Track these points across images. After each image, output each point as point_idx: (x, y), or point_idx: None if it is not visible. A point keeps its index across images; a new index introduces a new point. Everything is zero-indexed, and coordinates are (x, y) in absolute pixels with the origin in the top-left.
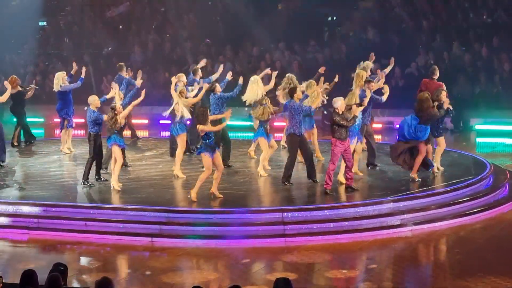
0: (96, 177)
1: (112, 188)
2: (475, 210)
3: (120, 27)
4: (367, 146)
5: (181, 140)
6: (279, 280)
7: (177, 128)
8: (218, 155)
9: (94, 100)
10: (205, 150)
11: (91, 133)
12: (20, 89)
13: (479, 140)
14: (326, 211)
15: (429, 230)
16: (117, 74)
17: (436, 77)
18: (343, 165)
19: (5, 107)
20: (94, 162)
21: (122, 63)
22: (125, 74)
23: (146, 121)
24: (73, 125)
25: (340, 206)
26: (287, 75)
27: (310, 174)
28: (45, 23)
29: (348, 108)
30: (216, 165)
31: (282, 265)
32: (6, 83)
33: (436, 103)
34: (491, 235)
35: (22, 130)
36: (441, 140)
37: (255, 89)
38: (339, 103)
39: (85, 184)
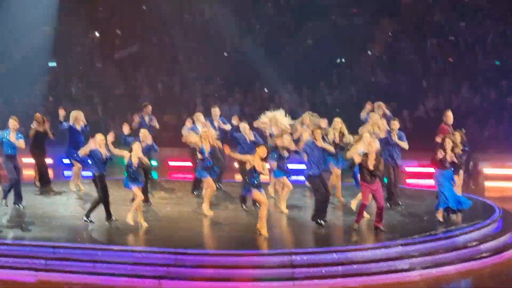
0: (107, 217)
1: (127, 223)
2: (484, 255)
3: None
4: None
5: (206, 181)
6: None
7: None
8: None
9: (98, 139)
10: (254, 188)
11: (95, 173)
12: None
13: (488, 183)
14: (334, 254)
15: (437, 274)
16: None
17: (446, 120)
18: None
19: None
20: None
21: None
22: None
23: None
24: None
25: (349, 250)
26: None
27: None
28: (55, 64)
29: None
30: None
31: None
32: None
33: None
34: (500, 280)
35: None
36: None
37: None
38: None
39: (85, 220)
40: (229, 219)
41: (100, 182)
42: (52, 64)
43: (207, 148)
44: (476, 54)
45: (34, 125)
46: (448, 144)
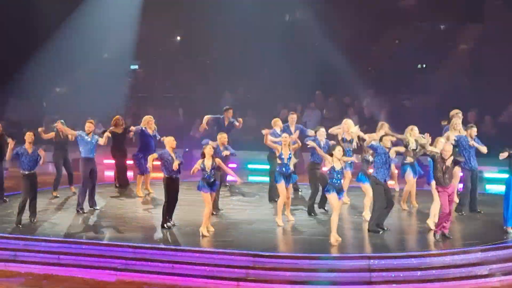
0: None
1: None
2: None
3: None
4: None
5: (279, 187)
6: None
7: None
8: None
9: (169, 141)
10: (334, 190)
11: (164, 175)
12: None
13: None
14: (413, 259)
15: None
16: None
17: None
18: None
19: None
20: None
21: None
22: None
23: (234, 165)
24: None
25: (427, 255)
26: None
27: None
28: (137, 67)
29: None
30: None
31: None
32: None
33: None
34: None
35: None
36: None
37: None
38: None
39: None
40: (306, 222)
41: (166, 185)
42: (134, 66)
43: (286, 154)
44: None
45: (112, 127)
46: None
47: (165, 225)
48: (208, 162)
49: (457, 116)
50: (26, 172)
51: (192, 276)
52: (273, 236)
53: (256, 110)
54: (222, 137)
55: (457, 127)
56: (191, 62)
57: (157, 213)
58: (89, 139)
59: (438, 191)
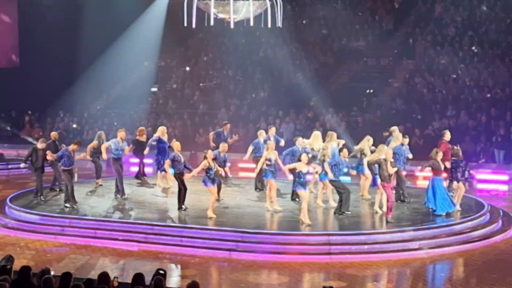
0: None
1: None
2: (475, 239)
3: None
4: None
5: (269, 182)
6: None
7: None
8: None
9: (177, 146)
10: (300, 185)
11: (176, 171)
12: (145, 139)
13: (479, 186)
14: (362, 236)
15: (440, 253)
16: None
17: (445, 138)
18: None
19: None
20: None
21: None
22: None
23: (229, 164)
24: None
25: (373, 233)
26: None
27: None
28: (156, 89)
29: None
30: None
31: (328, 276)
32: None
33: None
34: (487, 259)
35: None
36: (460, 185)
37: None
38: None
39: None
40: (283, 208)
41: (179, 178)
42: (154, 89)
43: (273, 157)
44: (472, 88)
45: (137, 136)
46: (439, 156)
47: (182, 207)
48: (212, 164)
49: (398, 131)
50: (67, 168)
51: (195, 247)
52: (258, 218)
53: (245, 123)
54: (224, 146)
55: (399, 137)
56: (196, 86)
57: (171, 200)
58: (120, 144)
59: (384, 186)
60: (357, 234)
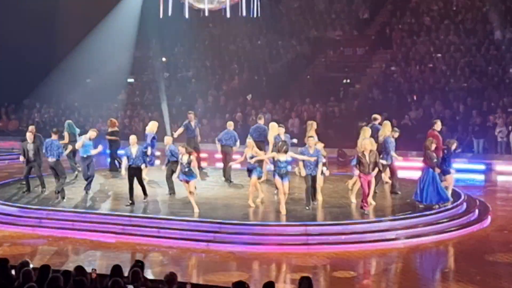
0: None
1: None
2: (452, 229)
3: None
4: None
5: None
6: (302, 278)
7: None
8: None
9: (168, 139)
10: (279, 176)
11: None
12: (117, 129)
13: (455, 175)
14: (339, 226)
15: (417, 243)
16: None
17: (435, 128)
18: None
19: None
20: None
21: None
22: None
23: (206, 155)
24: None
25: (350, 223)
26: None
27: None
28: (133, 80)
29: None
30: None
31: (305, 267)
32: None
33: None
34: (464, 248)
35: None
36: (448, 177)
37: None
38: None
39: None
40: (260, 198)
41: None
42: (131, 80)
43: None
44: (449, 78)
45: (109, 128)
46: (433, 146)
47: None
48: (184, 158)
49: (380, 119)
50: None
51: (173, 239)
52: (235, 208)
53: (222, 114)
54: (168, 139)
55: (388, 125)
56: (173, 77)
57: (149, 191)
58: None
59: (361, 177)
60: (334, 224)
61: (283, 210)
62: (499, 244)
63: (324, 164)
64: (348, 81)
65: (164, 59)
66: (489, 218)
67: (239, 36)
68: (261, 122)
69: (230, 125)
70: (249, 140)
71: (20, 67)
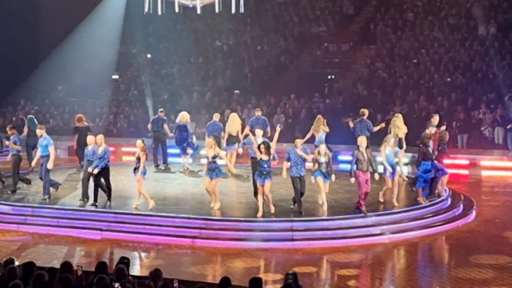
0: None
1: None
2: (437, 224)
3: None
4: None
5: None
6: (288, 273)
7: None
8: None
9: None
10: (262, 176)
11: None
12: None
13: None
14: (324, 222)
15: (402, 238)
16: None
17: (433, 122)
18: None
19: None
20: None
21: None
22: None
23: (191, 151)
24: None
25: (335, 219)
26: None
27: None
28: (117, 76)
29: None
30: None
31: (291, 262)
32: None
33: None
34: (449, 243)
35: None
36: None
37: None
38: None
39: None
40: (245, 195)
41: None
42: (115, 76)
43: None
44: (433, 73)
45: (76, 123)
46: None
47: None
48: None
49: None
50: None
51: (158, 235)
52: (221, 204)
53: (207, 110)
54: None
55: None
56: (158, 73)
57: (133, 188)
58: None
59: (357, 175)
60: (319, 220)
61: (259, 213)
62: (483, 239)
63: (331, 170)
64: (333, 77)
65: (149, 55)
66: (474, 213)
67: (224, 32)
68: (259, 113)
69: (217, 116)
70: (208, 140)
71: (4, 64)
